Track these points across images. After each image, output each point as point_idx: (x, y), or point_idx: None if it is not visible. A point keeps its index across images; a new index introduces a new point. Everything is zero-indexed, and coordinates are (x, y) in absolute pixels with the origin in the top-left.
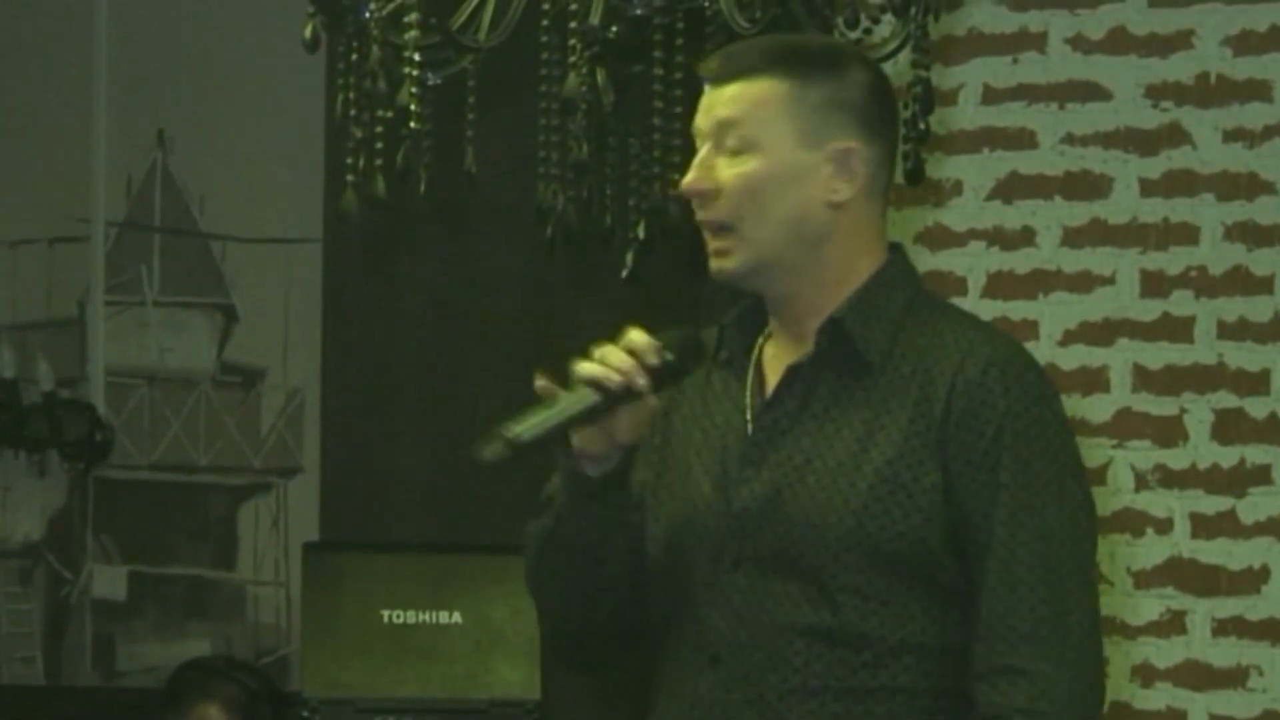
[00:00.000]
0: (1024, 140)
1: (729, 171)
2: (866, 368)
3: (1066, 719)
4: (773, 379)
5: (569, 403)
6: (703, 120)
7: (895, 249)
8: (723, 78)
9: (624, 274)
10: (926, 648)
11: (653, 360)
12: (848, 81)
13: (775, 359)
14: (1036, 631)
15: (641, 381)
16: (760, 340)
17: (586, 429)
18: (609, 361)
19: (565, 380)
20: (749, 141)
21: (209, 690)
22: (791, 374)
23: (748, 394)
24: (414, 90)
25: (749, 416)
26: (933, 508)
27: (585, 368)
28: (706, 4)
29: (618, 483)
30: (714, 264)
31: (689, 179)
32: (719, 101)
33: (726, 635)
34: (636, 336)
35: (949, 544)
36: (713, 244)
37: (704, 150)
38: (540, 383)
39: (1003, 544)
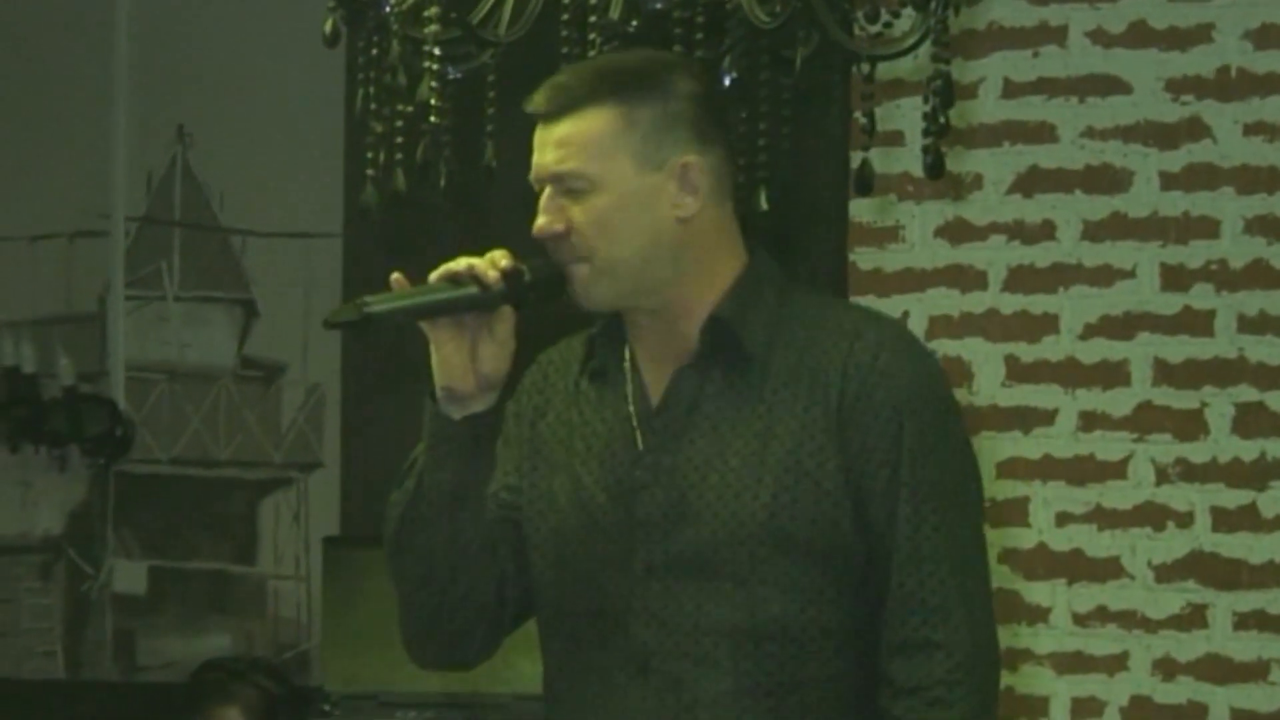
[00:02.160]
0: (1044, 134)
1: (576, 210)
2: (750, 362)
3: (981, 685)
4: (653, 383)
5: (424, 290)
6: (540, 161)
7: (754, 246)
8: (551, 114)
9: None
10: (849, 633)
11: (505, 264)
12: (674, 95)
13: (653, 365)
14: (945, 604)
15: (493, 276)
16: (626, 348)
17: (447, 344)
18: (461, 262)
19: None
20: (589, 179)
21: (229, 693)
22: (679, 376)
23: (630, 402)
24: (434, 85)
25: (635, 424)
26: (840, 491)
27: (441, 269)
28: None
29: (481, 434)
30: (579, 296)
31: (540, 224)
32: (551, 141)
33: (651, 644)
34: (496, 250)
35: (858, 528)
36: (573, 275)
37: (548, 192)
38: (395, 275)
39: (907, 520)
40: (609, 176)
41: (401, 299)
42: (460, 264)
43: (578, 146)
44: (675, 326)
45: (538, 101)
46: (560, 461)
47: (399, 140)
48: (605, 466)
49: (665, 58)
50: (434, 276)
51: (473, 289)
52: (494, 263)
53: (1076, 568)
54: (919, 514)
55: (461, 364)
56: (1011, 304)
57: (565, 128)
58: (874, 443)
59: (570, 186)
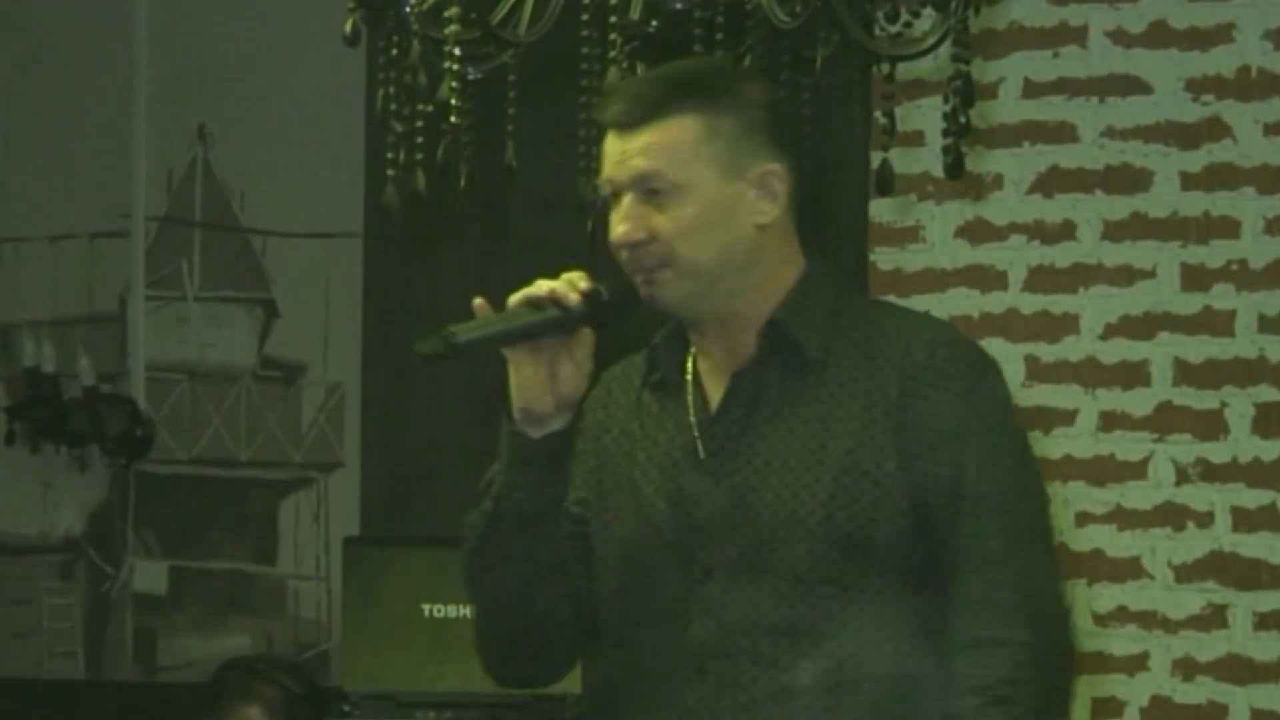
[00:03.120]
0: (1064, 134)
1: (660, 219)
2: (808, 364)
3: (1049, 683)
4: (714, 392)
5: (507, 317)
6: (618, 171)
7: (811, 252)
8: (631, 123)
9: None
10: (908, 631)
11: (584, 285)
12: (750, 104)
13: (712, 374)
14: (1012, 602)
15: (574, 299)
16: (689, 359)
17: (527, 366)
18: (542, 285)
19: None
20: (675, 186)
21: (251, 692)
22: (736, 380)
23: (690, 411)
24: (454, 85)
25: (696, 432)
26: (898, 491)
27: (521, 293)
28: None
29: (558, 454)
30: (648, 293)
31: (622, 232)
32: (633, 151)
33: (709, 644)
34: (572, 272)
35: (917, 527)
36: (645, 277)
37: (628, 200)
38: (478, 301)
39: (971, 517)
40: (693, 184)
41: (485, 326)
42: (541, 288)
43: (663, 153)
44: (739, 334)
45: (615, 112)
46: (623, 474)
47: (419, 140)
48: (665, 475)
49: (731, 67)
50: (514, 301)
51: (554, 312)
52: (573, 285)
53: (1096, 568)
54: (981, 515)
55: (540, 385)
56: (1031, 304)
57: (648, 136)
58: (933, 443)
59: (654, 189)
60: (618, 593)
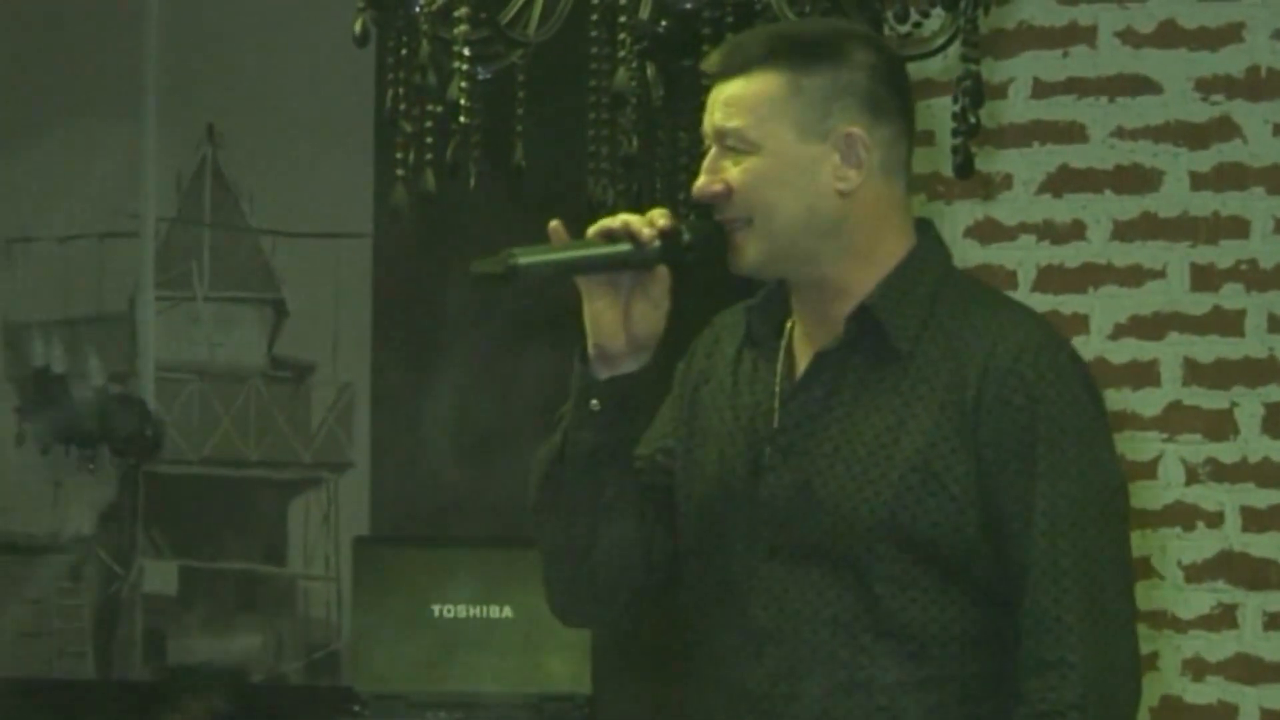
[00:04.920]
0: (1074, 134)
1: (734, 171)
2: (895, 355)
3: (1117, 710)
4: (803, 363)
5: (576, 245)
6: (707, 120)
7: (925, 228)
8: (722, 74)
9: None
10: (967, 635)
11: (663, 223)
12: (849, 65)
13: (804, 342)
14: (1082, 624)
15: (648, 234)
16: (789, 322)
17: (599, 299)
18: (619, 218)
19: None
20: (750, 141)
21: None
22: (820, 361)
23: (778, 378)
24: (463, 85)
25: (777, 403)
26: (966, 497)
27: (598, 224)
28: None
29: (627, 397)
30: (731, 257)
31: (700, 183)
32: (719, 101)
33: (769, 628)
34: (656, 209)
35: (984, 533)
36: (732, 238)
37: (712, 152)
38: (554, 224)
39: (1043, 535)
40: (769, 140)
41: (551, 253)
42: (617, 220)
43: (742, 107)
44: (830, 305)
45: (713, 60)
46: (714, 430)
47: (429, 140)
48: (747, 439)
49: (848, 28)
50: (591, 231)
51: (627, 246)
52: (651, 221)
53: None
54: (1055, 529)
55: (613, 322)
56: (1041, 304)
57: (733, 87)
58: (1009, 450)
59: (731, 146)
60: (692, 553)
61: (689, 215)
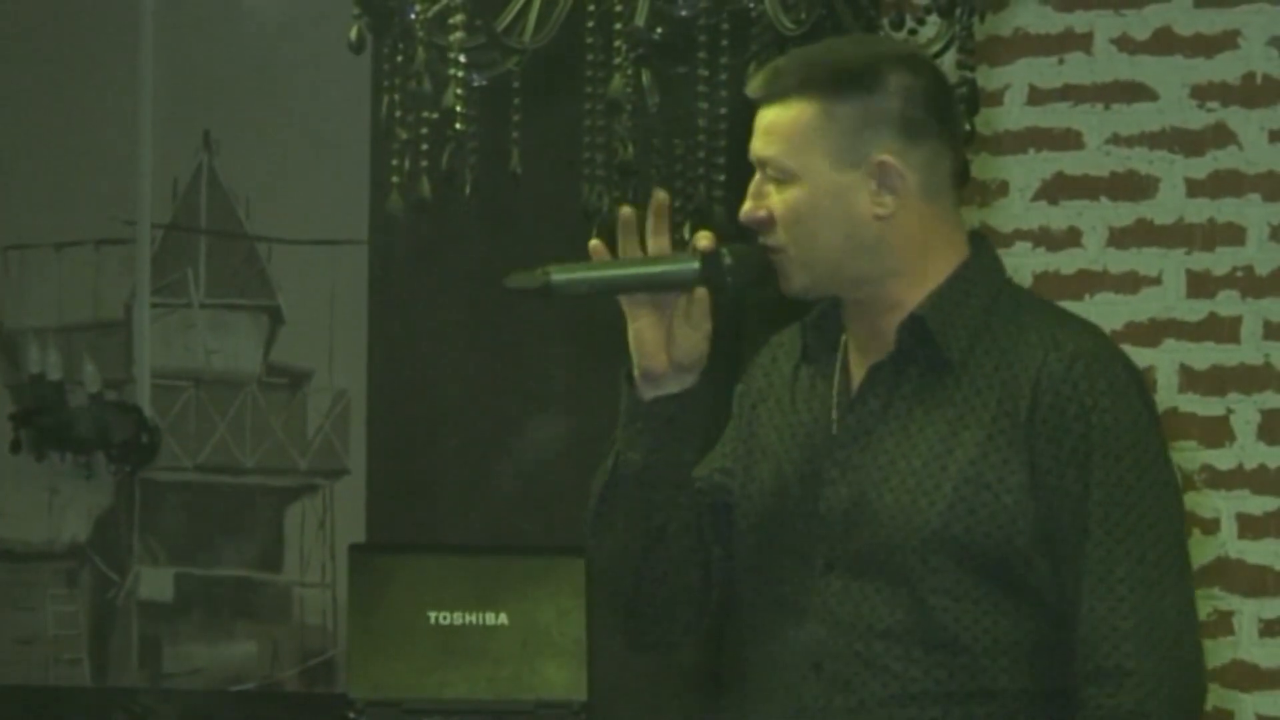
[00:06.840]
0: (1070, 141)
1: (776, 198)
2: (948, 366)
3: (1177, 715)
4: (858, 378)
5: (614, 264)
6: (752, 146)
7: (979, 240)
8: (762, 100)
9: None
10: (1020, 647)
11: (704, 244)
12: (881, 92)
13: (859, 357)
14: (1139, 630)
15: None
16: (844, 338)
17: (641, 319)
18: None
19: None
20: (787, 170)
21: None
22: (874, 374)
23: (834, 393)
24: (459, 92)
25: (835, 416)
26: (1019, 507)
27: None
28: (752, 5)
29: (674, 418)
30: (780, 281)
31: (745, 209)
32: (759, 128)
33: (827, 642)
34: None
35: (1037, 544)
36: (778, 263)
37: (757, 177)
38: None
39: (1099, 544)
40: (805, 170)
41: (588, 270)
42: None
43: (778, 136)
44: (882, 318)
45: (756, 84)
46: (771, 448)
47: (424, 147)
48: (805, 455)
49: (885, 50)
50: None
51: (664, 267)
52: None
53: None
54: (1111, 537)
55: (655, 343)
56: None
57: (771, 115)
58: (1064, 460)
59: (770, 172)
60: (750, 570)
61: (684, 223)
